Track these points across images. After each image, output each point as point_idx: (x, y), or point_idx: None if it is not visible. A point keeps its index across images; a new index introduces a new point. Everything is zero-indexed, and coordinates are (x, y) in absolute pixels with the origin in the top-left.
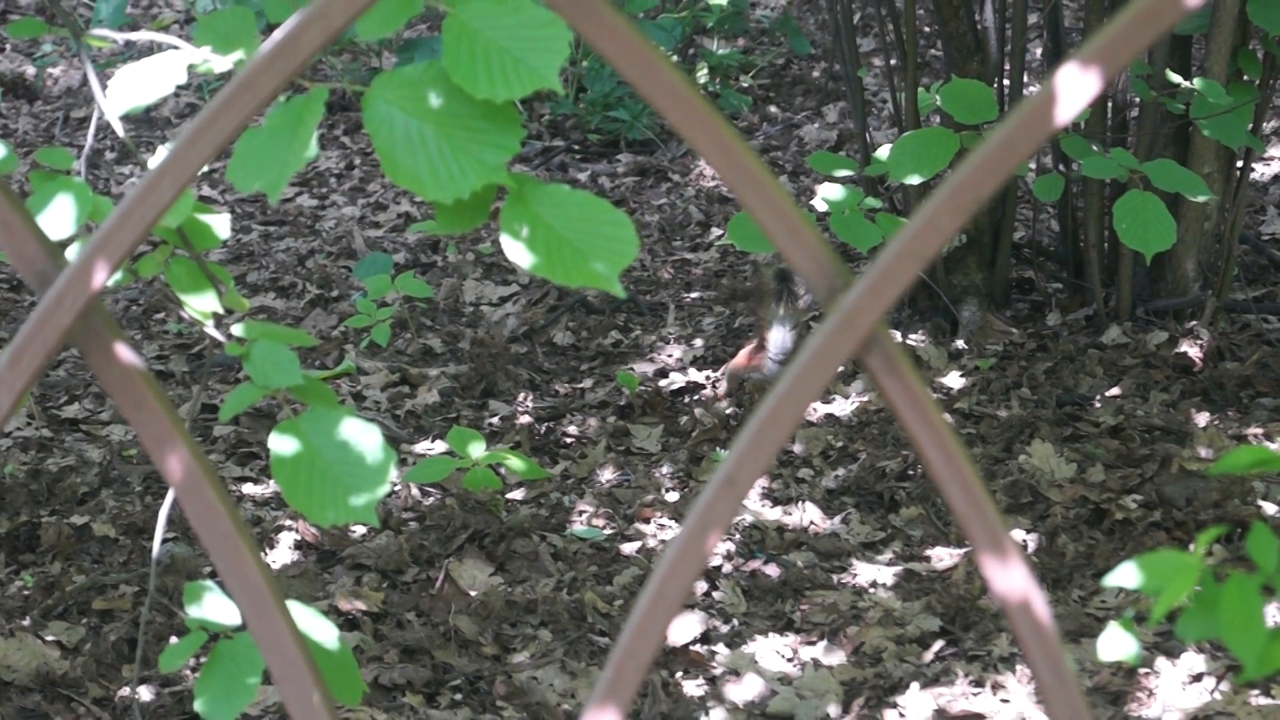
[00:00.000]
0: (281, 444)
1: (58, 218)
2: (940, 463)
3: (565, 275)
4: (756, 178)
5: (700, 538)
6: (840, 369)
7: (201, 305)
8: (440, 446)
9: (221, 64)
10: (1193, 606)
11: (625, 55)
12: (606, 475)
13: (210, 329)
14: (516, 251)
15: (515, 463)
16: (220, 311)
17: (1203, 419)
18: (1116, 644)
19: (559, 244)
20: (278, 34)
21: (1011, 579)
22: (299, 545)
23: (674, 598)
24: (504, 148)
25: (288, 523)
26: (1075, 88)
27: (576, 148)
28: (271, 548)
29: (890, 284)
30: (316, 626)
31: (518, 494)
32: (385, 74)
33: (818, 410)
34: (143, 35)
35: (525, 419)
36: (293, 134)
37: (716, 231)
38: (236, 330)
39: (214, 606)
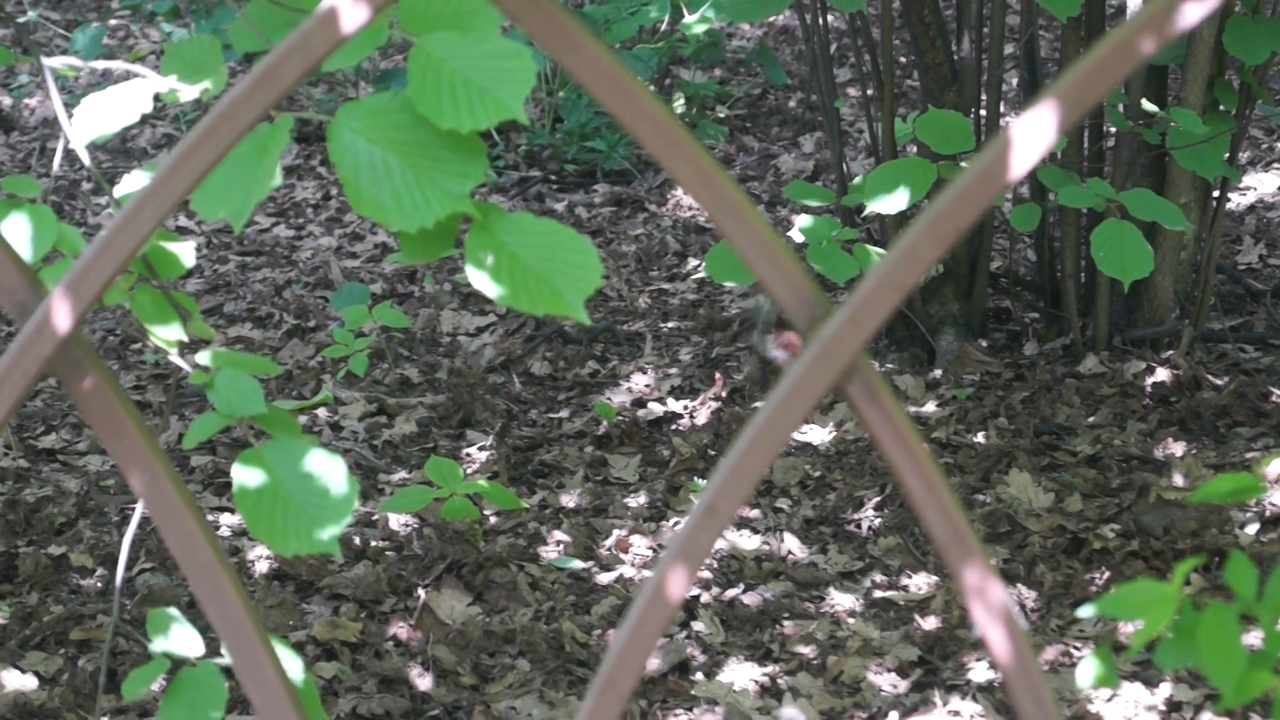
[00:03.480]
0: (245, 474)
1: (14, 242)
2: (920, 491)
3: (531, 303)
4: (737, 207)
5: (680, 567)
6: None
7: (167, 334)
8: (418, 476)
9: (188, 93)
10: (1171, 636)
11: (606, 85)
12: (584, 505)
13: (175, 358)
14: (482, 281)
15: (493, 492)
16: (185, 340)
17: (1180, 448)
18: (1094, 673)
19: (524, 272)
20: (258, 65)
21: (991, 607)
22: (276, 575)
23: (654, 627)
24: (468, 177)
25: (265, 553)
26: (1050, 122)
27: (553, 178)
28: (249, 578)
29: (870, 313)
30: (282, 658)
31: (495, 523)
32: (350, 103)
33: (795, 440)
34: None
35: (503, 449)
36: (258, 163)
37: (694, 262)
38: (201, 359)
39: (179, 636)
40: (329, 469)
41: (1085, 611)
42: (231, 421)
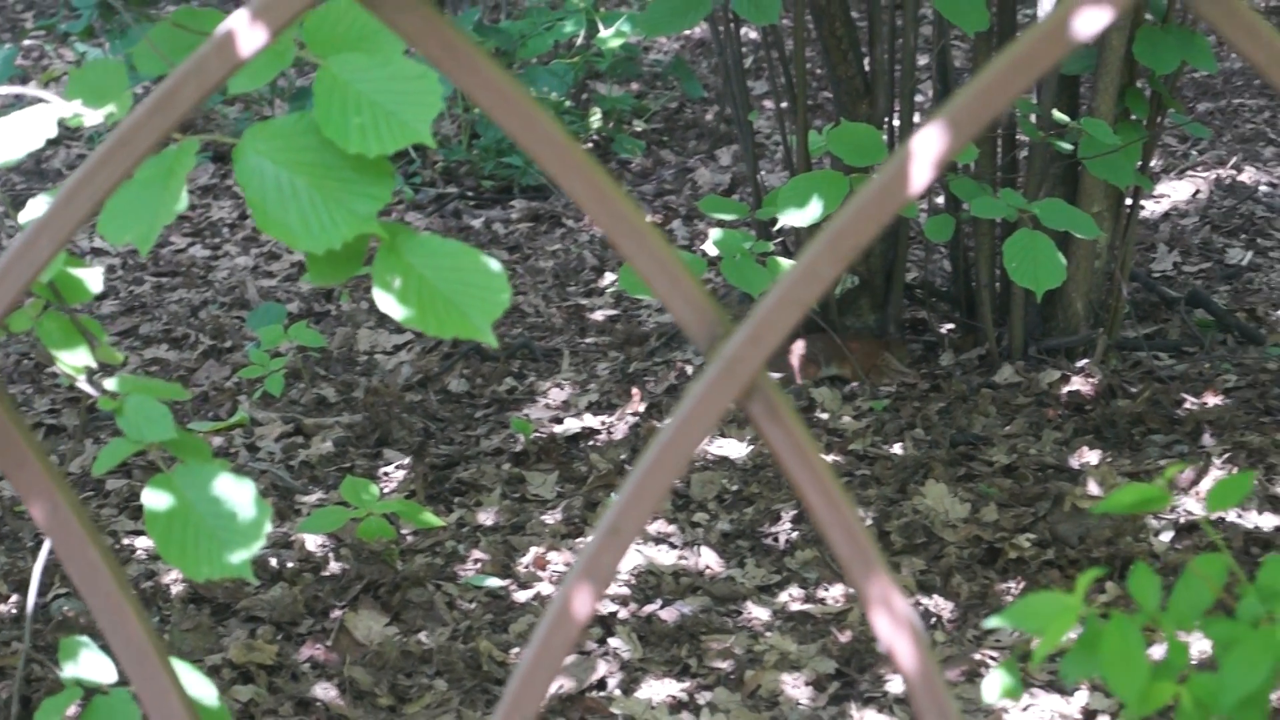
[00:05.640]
0: (155, 499)
1: None
2: (823, 507)
3: (438, 326)
4: (636, 228)
5: (585, 588)
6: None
7: (73, 360)
8: (335, 497)
9: (93, 117)
10: (1075, 647)
11: (503, 107)
12: (501, 523)
13: (83, 384)
14: (388, 303)
15: (409, 512)
16: (94, 366)
17: (1095, 457)
18: (1001, 686)
19: (431, 295)
20: (155, 91)
21: (896, 619)
22: (192, 598)
23: (560, 649)
24: (375, 198)
25: (181, 576)
26: (945, 139)
27: (470, 194)
28: (165, 601)
29: (771, 332)
30: (194, 683)
31: (413, 543)
32: (256, 125)
33: (711, 454)
34: (20, 90)
35: (420, 467)
36: (164, 187)
37: (611, 276)
38: (110, 385)
39: (91, 663)
40: (239, 493)
41: (990, 623)
42: (141, 447)
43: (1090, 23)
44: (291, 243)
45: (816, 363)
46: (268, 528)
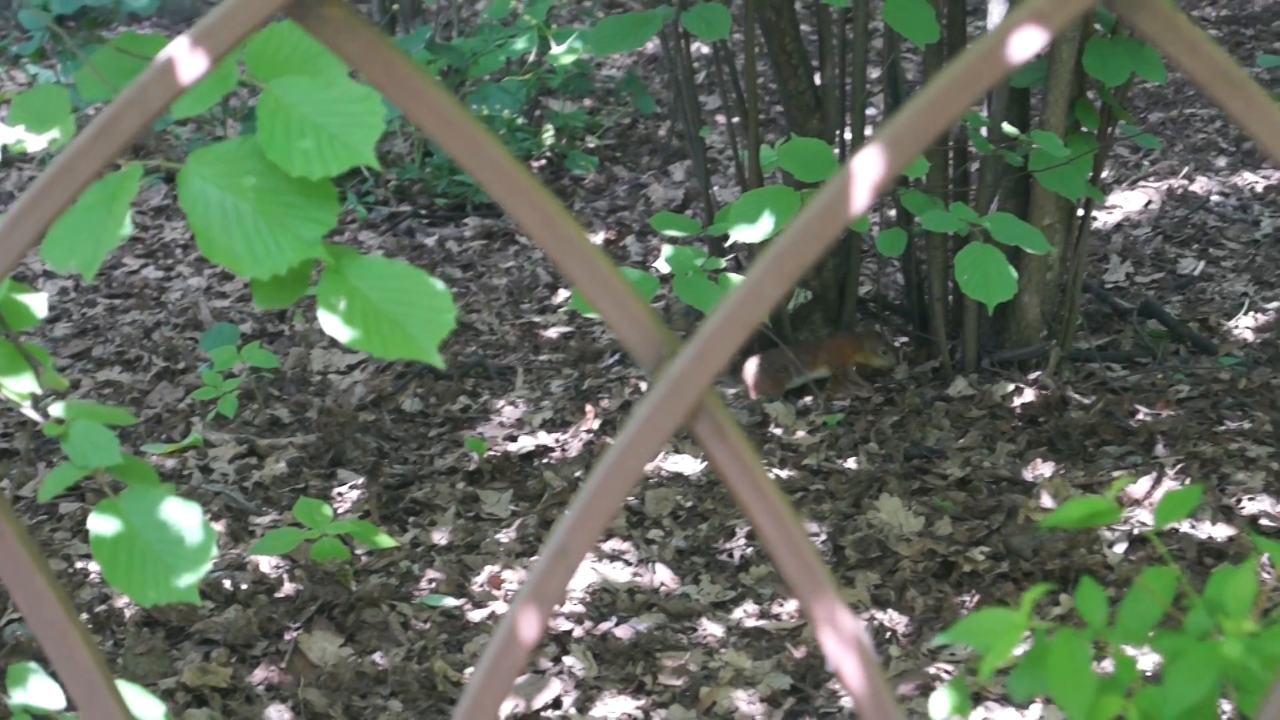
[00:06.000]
0: (102, 524)
1: None
2: (770, 527)
3: (384, 348)
4: (580, 249)
5: (532, 610)
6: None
7: (18, 386)
8: (289, 518)
9: (36, 143)
10: (1023, 662)
11: (447, 130)
12: (456, 542)
13: (28, 410)
14: (334, 325)
15: (363, 532)
16: (38, 392)
17: (1048, 469)
18: (949, 703)
19: (377, 316)
20: (97, 118)
21: (843, 637)
22: (146, 622)
23: (508, 671)
24: (320, 222)
25: None
26: (887, 158)
27: (423, 212)
28: (119, 625)
29: (717, 352)
30: (145, 706)
31: (367, 563)
32: (200, 150)
33: (666, 470)
34: None
35: (374, 487)
36: (107, 212)
37: (564, 294)
38: (55, 410)
39: (39, 689)
40: (186, 517)
41: (938, 640)
42: (87, 473)
43: (1029, 42)
44: (237, 268)
45: (778, 378)
46: (214, 552)
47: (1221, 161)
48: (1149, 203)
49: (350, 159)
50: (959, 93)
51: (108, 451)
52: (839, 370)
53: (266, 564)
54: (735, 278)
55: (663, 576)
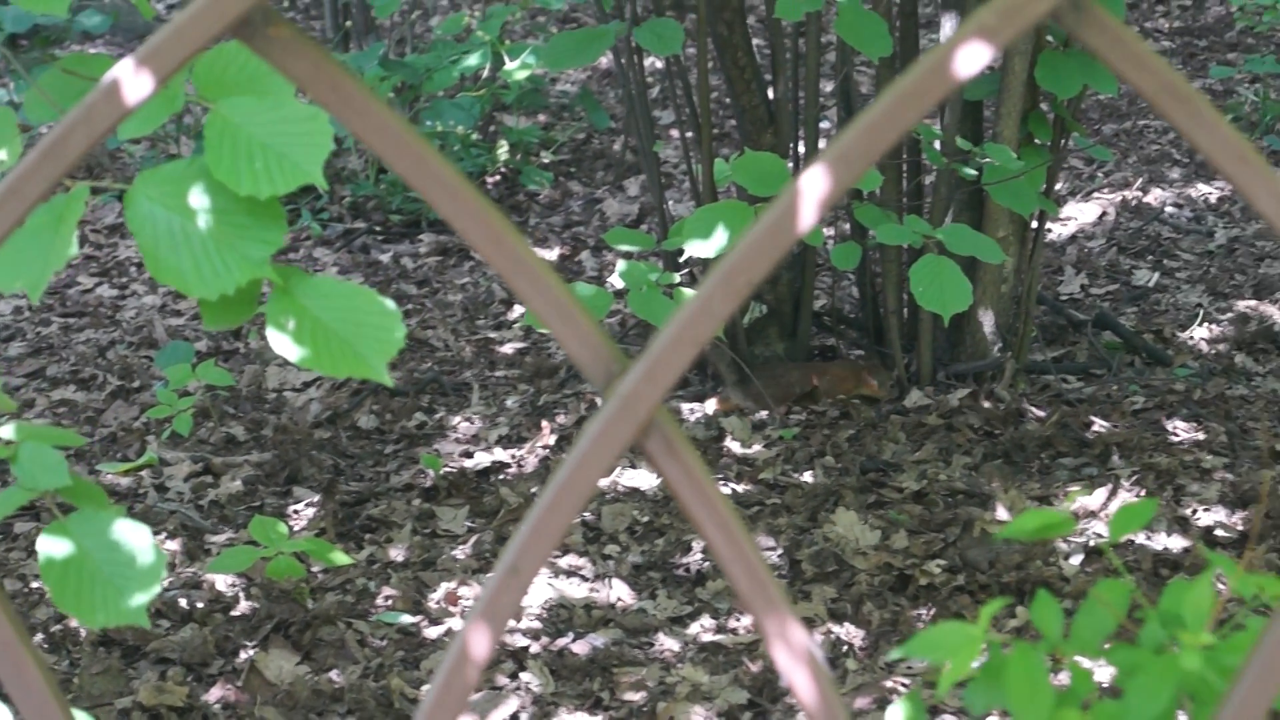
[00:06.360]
0: (51, 546)
1: None
2: (722, 543)
3: (333, 367)
4: (529, 267)
5: (484, 628)
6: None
7: None
8: (244, 536)
9: None
10: (979, 676)
11: (394, 149)
12: (412, 559)
13: None
14: (284, 344)
15: (318, 550)
16: None
17: (1004, 481)
18: (904, 717)
19: (326, 335)
20: (44, 139)
21: (795, 652)
22: (102, 641)
23: (461, 689)
24: (269, 242)
25: None
26: (829, 179)
27: (378, 229)
28: (75, 644)
29: (667, 369)
30: None
31: (323, 581)
32: (148, 171)
33: (622, 485)
34: None
35: (330, 505)
36: (55, 233)
37: (520, 310)
38: (4, 432)
39: None
40: (136, 539)
41: (894, 654)
42: (35, 495)
43: (976, 57)
44: (185, 289)
45: (784, 395)
46: (164, 574)
47: (1175, 173)
48: (1103, 214)
49: (298, 178)
50: (906, 108)
51: (56, 473)
52: (832, 398)
53: (222, 582)
54: (689, 293)
55: (619, 592)
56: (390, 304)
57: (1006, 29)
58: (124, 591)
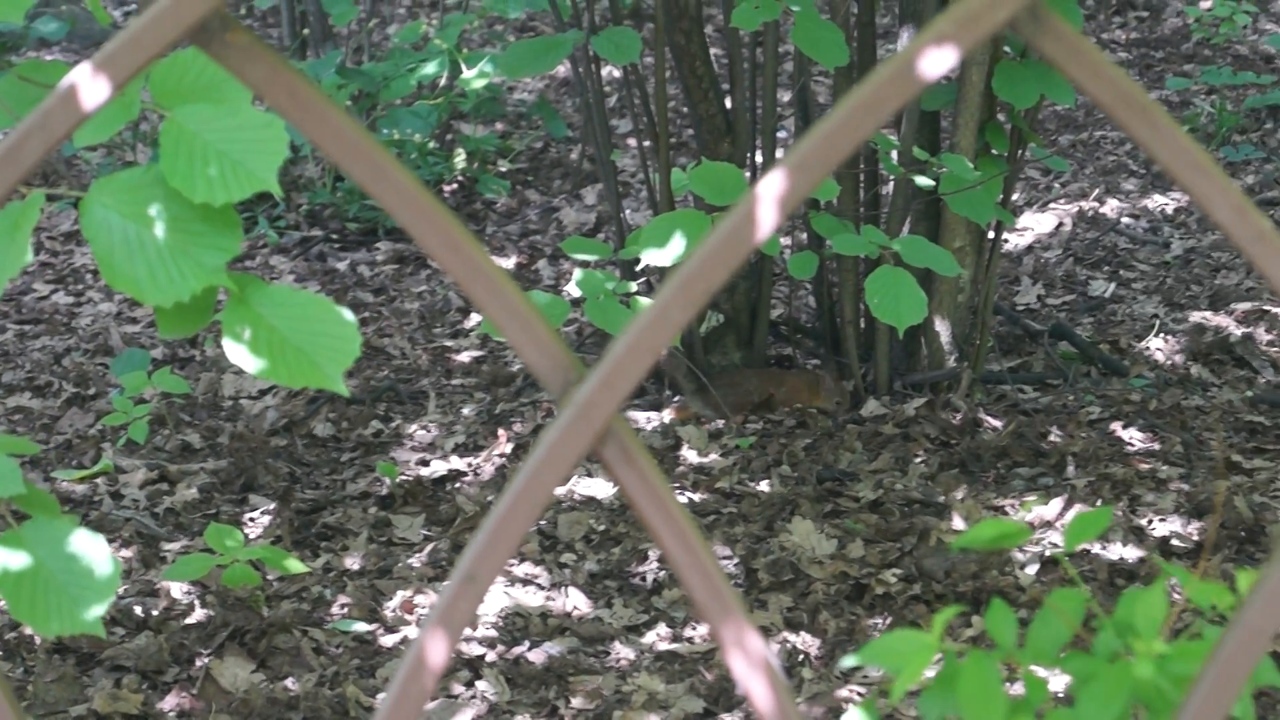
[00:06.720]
0: (4, 557)
1: None
2: (679, 552)
3: (289, 377)
4: (487, 275)
5: (440, 636)
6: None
7: None
8: (200, 543)
9: None
10: (933, 684)
11: (352, 156)
12: (368, 567)
13: None
14: (240, 354)
15: (273, 557)
16: None
17: (960, 491)
18: None
19: (282, 345)
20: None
21: (751, 663)
22: (57, 649)
23: (418, 697)
24: (224, 250)
25: None
26: (786, 186)
27: (335, 237)
28: (30, 652)
29: (623, 377)
30: None
31: (278, 588)
32: (103, 179)
33: (579, 494)
34: None
35: (286, 513)
36: (9, 240)
37: (476, 318)
38: None
39: None
40: (91, 548)
41: (847, 662)
42: None
43: (933, 66)
44: (140, 296)
45: (741, 402)
46: (119, 584)
47: (1132, 184)
48: (1060, 225)
49: (253, 186)
50: (864, 117)
51: (10, 482)
52: (789, 407)
53: (178, 590)
54: (646, 301)
55: (575, 600)
56: (347, 313)
57: (964, 38)
58: (79, 601)
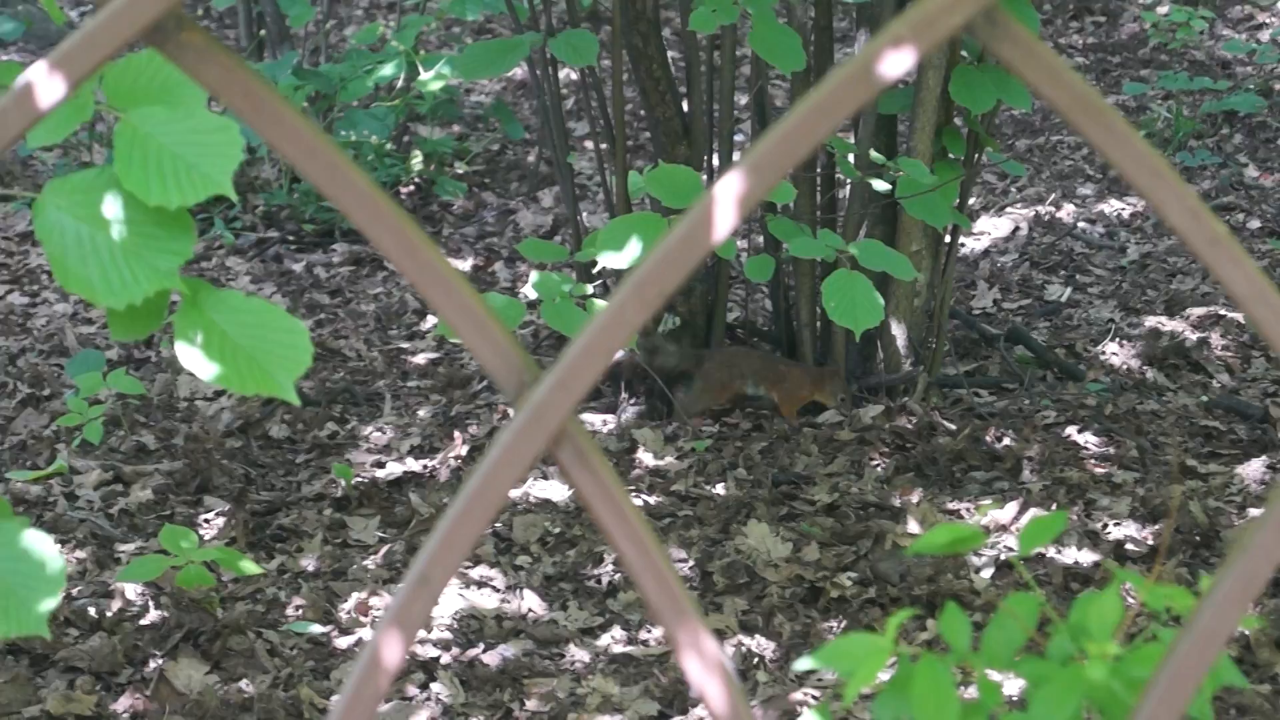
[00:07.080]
0: None
1: None
2: (633, 554)
3: (241, 383)
4: (442, 276)
5: (395, 637)
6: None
7: None
8: (154, 545)
9: None
10: (887, 687)
11: (308, 157)
12: (323, 568)
13: None
14: (192, 358)
15: (228, 559)
16: None
17: (916, 494)
18: None
19: (234, 351)
20: None
21: (706, 666)
22: (10, 650)
23: (371, 698)
24: (177, 253)
25: None
26: (743, 188)
27: (291, 238)
28: None
29: (579, 379)
30: None
31: (233, 590)
32: (56, 181)
33: (534, 496)
34: None
35: (241, 514)
36: None
37: (433, 320)
38: None
39: None
40: (37, 548)
41: (801, 665)
42: None
43: (890, 69)
44: (92, 298)
45: (728, 385)
46: (64, 583)
47: (1088, 189)
48: (1016, 229)
49: (208, 189)
50: (820, 119)
51: None
52: (788, 401)
53: (132, 591)
54: (602, 304)
55: (530, 603)
56: (298, 322)
57: (921, 41)
58: (26, 602)
